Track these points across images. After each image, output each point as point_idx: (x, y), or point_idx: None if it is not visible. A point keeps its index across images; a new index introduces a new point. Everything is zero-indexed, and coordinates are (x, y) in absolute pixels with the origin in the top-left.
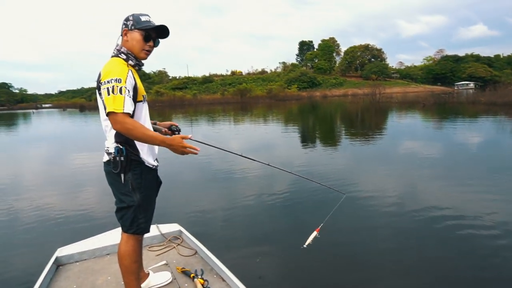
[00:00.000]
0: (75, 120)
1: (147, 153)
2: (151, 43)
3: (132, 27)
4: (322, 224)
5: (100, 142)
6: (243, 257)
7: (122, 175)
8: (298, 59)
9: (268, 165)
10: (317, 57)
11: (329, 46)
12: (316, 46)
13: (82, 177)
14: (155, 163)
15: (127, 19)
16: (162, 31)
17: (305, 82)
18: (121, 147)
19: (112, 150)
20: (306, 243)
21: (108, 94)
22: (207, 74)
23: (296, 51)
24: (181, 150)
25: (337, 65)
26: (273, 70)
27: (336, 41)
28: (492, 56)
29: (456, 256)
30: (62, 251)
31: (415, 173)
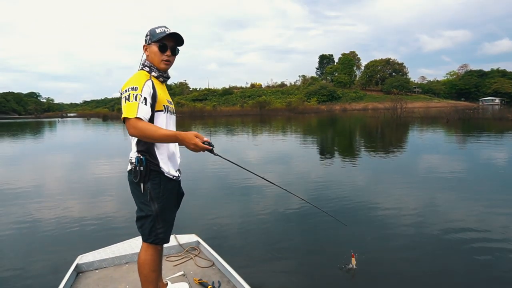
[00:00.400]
0: (98, 129)
1: (167, 164)
2: (168, 53)
3: (150, 41)
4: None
5: (122, 151)
6: (260, 270)
7: (142, 185)
8: (318, 73)
9: (285, 190)
10: (337, 71)
11: (350, 60)
12: (336, 60)
13: (104, 185)
14: (176, 174)
15: (146, 35)
16: (177, 39)
17: (324, 96)
18: (141, 157)
19: (133, 160)
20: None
21: (125, 101)
22: (227, 87)
23: (316, 65)
24: (192, 147)
25: (357, 79)
26: (292, 83)
27: (357, 55)
28: None
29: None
30: (83, 259)
31: (436, 190)
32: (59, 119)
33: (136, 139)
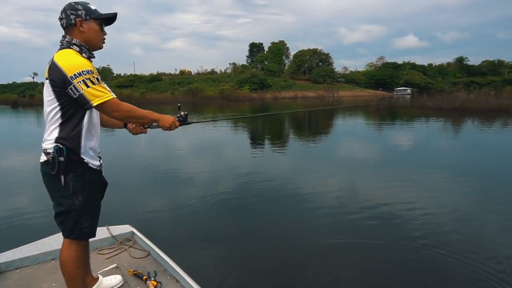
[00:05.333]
0: (6, 117)
1: (89, 153)
2: (105, 32)
3: (87, 17)
4: None
5: (36, 140)
6: (197, 257)
7: (62, 177)
8: (249, 61)
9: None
10: (267, 59)
11: (279, 49)
12: (266, 49)
13: (19, 179)
14: (98, 163)
15: (74, 9)
16: (110, 19)
17: (255, 84)
18: (61, 146)
19: (51, 150)
20: None
21: (88, 86)
22: (155, 73)
23: (247, 53)
24: (168, 125)
25: (286, 68)
26: (223, 70)
27: (286, 44)
28: (425, 64)
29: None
30: (1, 258)
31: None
32: None
33: (54, 126)
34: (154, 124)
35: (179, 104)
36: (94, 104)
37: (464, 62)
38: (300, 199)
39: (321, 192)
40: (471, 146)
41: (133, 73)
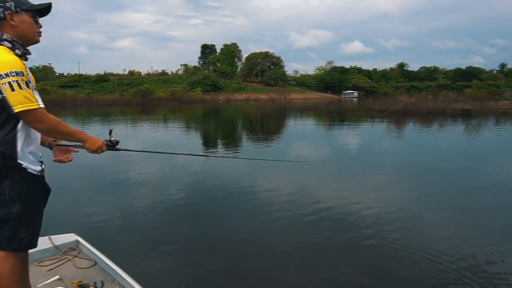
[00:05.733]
0: None
1: (29, 157)
2: (40, 25)
3: (17, 9)
4: None
5: None
6: (147, 264)
7: None
8: (201, 62)
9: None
10: (219, 61)
11: (231, 51)
12: (218, 50)
13: None
14: (39, 168)
15: (1, 0)
16: (44, 10)
17: (208, 86)
18: None
19: None
20: None
21: (12, 89)
22: (102, 73)
23: (198, 54)
24: (94, 149)
25: (239, 70)
26: (174, 72)
27: (238, 46)
28: (371, 69)
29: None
30: None
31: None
32: None
33: None
34: (79, 144)
35: (111, 129)
36: (16, 111)
37: (405, 68)
38: (252, 202)
39: (272, 194)
40: (412, 146)
41: (78, 73)
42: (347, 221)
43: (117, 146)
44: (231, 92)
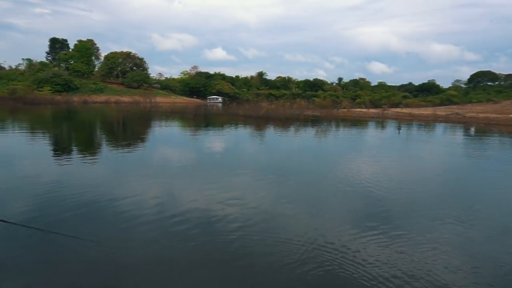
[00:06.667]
0: None
1: None
2: None
3: None
4: None
5: None
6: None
7: None
8: (50, 58)
9: None
10: (73, 58)
11: (88, 48)
12: (72, 46)
13: None
14: None
15: None
16: None
17: (59, 85)
18: None
19: None
20: None
21: None
22: None
23: (46, 49)
24: None
25: (96, 69)
26: (13, 66)
27: (96, 44)
28: (233, 76)
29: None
30: None
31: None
32: None
33: None
34: None
35: None
36: None
37: (264, 77)
38: (114, 208)
39: (136, 199)
40: (273, 148)
41: None
42: (213, 220)
43: None
44: (88, 94)
